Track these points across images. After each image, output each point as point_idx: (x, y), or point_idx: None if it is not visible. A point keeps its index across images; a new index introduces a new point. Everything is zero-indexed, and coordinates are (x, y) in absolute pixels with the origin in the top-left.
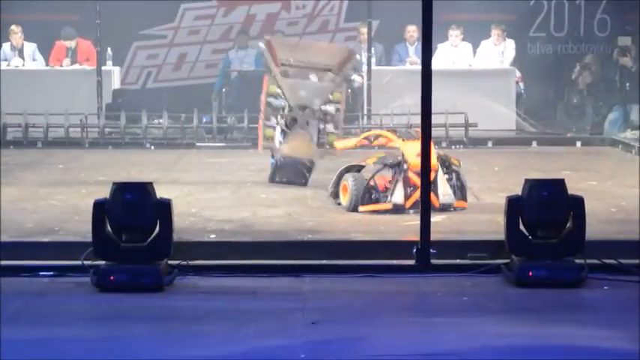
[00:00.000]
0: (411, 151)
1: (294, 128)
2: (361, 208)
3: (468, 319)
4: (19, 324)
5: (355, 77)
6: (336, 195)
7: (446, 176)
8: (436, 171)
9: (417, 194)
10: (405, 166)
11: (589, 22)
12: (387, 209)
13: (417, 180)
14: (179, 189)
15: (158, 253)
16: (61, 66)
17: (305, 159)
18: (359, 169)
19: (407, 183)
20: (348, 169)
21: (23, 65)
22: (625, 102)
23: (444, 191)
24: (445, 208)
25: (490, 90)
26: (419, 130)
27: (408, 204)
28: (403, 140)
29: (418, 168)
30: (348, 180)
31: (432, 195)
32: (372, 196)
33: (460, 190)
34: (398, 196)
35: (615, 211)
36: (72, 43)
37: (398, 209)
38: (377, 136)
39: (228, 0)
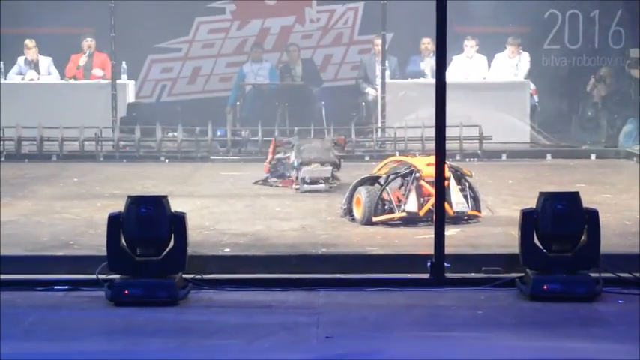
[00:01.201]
0: (422, 161)
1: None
2: (375, 219)
3: (482, 332)
4: (34, 338)
5: (369, 90)
6: (349, 212)
7: (459, 187)
8: (448, 179)
9: (431, 203)
10: (418, 175)
11: (603, 35)
12: (401, 217)
13: (429, 189)
14: (193, 202)
15: (173, 267)
16: (78, 67)
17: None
18: (372, 182)
19: (419, 192)
20: (361, 183)
21: (38, 79)
22: (639, 114)
23: (457, 200)
24: (459, 216)
25: (504, 103)
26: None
27: (422, 212)
28: (413, 157)
29: (430, 177)
30: (362, 193)
31: (446, 204)
32: (386, 207)
33: (474, 201)
34: (412, 205)
35: (630, 224)
36: (90, 48)
37: (412, 218)
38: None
39: (243, 13)
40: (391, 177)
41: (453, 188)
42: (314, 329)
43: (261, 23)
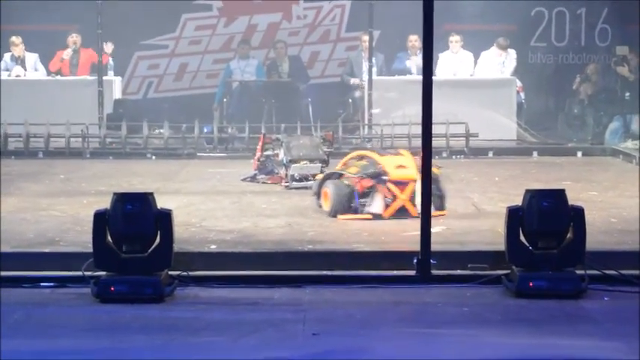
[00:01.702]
0: (390, 163)
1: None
2: (340, 217)
3: (468, 329)
4: (20, 335)
5: (354, 81)
6: (318, 195)
7: None
8: (415, 181)
9: (396, 204)
10: (385, 178)
11: (590, 32)
12: (367, 219)
13: (395, 190)
14: (180, 199)
15: (159, 264)
16: (62, 60)
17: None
18: (339, 175)
19: (385, 193)
20: (328, 176)
21: (25, 75)
22: (625, 112)
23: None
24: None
25: (491, 100)
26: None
27: (387, 214)
28: (381, 155)
29: (399, 179)
30: (329, 187)
31: (410, 204)
32: (352, 205)
33: (439, 199)
34: (376, 206)
35: (616, 221)
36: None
37: (376, 218)
38: (361, 157)
39: (230, 10)
40: (359, 176)
41: (418, 189)
42: (300, 326)
43: (249, 20)
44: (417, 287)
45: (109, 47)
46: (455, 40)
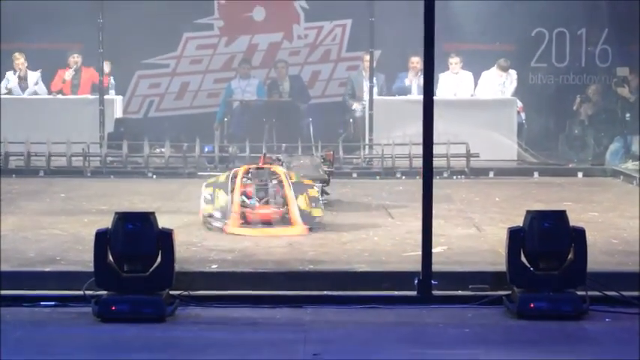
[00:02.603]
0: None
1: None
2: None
3: (469, 350)
4: (20, 354)
5: (356, 106)
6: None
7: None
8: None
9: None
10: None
11: (590, 53)
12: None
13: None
14: (181, 218)
15: (160, 284)
16: (63, 81)
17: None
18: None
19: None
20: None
21: (16, 89)
22: (626, 133)
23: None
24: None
25: (492, 120)
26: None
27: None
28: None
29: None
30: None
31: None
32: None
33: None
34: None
35: (616, 242)
36: (76, 64)
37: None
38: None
39: (231, 30)
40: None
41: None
42: (301, 346)
43: (250, 39)
44: (418, 308)
45: (107, 66)
46: (455, 61)
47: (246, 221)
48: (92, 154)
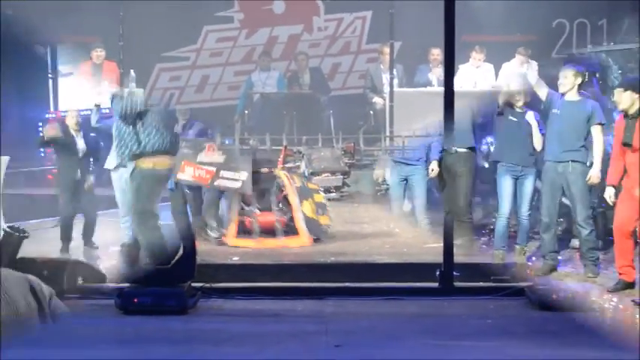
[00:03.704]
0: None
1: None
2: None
3: (491, 342)
4: (43, 346)
5: (376, 99)
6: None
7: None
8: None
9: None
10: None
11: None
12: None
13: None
14: None
15: (182, 276)
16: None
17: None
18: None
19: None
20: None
21: None
22: None
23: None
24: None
25: None
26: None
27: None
28: None
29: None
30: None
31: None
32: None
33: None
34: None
35: None
36: (99, 58)
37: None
38: None
39: (251, 22)
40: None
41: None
42: (323, 338)
43: (270, 32)
44: (439, 299)
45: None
46: (479, 57)
47: (245, 230)
48: None
